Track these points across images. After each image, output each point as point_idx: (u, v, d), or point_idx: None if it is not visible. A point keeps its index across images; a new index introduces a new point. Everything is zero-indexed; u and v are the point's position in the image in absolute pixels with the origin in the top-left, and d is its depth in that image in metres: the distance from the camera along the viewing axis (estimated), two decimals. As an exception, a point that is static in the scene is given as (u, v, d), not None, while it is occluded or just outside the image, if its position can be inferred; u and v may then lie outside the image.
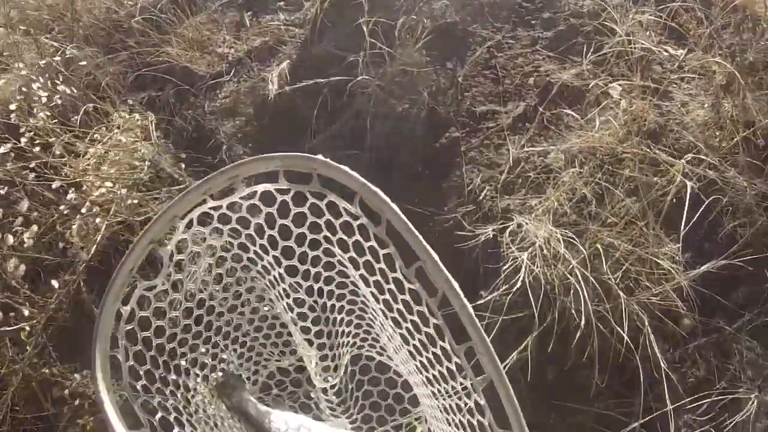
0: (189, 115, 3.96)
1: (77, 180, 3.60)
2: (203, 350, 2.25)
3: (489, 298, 3.01)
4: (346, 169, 1.69)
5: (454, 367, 1.67)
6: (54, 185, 3.54)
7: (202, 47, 4.30)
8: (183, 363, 2.12)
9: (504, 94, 3.60)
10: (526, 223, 3.05)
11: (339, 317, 2.39)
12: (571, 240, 2.97)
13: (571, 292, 2.86)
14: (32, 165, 3.59)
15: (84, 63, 4.10)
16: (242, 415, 2.29)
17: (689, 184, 2.93)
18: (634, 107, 3.24)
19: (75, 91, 3.87)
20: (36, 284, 3.53)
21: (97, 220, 3.52)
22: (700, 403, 2.84)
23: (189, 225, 1.86)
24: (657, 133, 3.25)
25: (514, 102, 3.57)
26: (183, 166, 3.79)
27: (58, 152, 3.64)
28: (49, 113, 3.72)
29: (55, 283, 3.44)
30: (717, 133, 3.19)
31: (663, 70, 3.50)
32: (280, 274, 2.24)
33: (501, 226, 3.14)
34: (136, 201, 3.58)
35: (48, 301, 3.44)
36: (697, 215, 2.96)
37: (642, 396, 2.85)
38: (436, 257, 1.50)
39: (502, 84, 3.64)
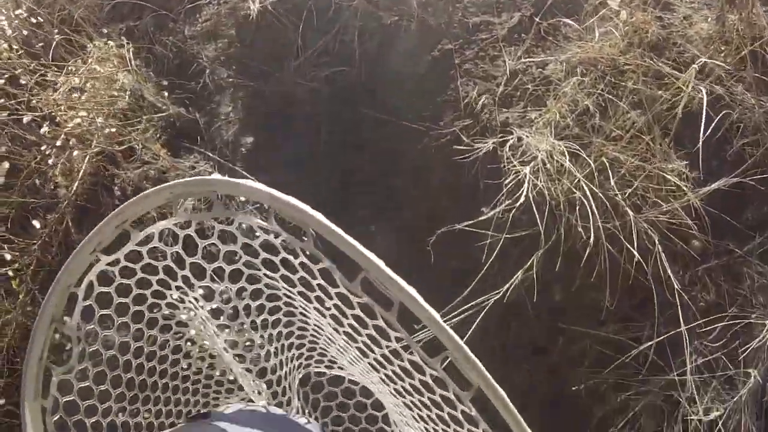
0: (169, 42, 3.78)
1: (50, 113, 3.45)
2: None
3: (491, 214, 2.97)
4: (249, 182, 1.37)
5: (429, 380, 1.47)
6: (25, 119, 3.41)
7: (180, -32, 4.09)
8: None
9: (497, 4, 3.46)
10: (527, 137, 2.99)
11: (281, 343, 2.13)
12: (576, 152, 2.92)
13: (577, 208, 2.82)
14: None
15: None
16: None
17: (703, 90, 2.86)
18: (635, 19, 3.13)
19: (48, 27, 3.68)
20: (26, 230, 3.43)
21: (75, 153, 3.40)
22: (711, 327, 2.84)
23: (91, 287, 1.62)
24: (660, 46, 3.16)
25: (509, 12, 3.43)
26: (166, 94, 3.65)
27: (26, 84, 3.51)
28: (15, 46, 3.56)
29: (36, 224, 3.36)
30: (722, 48, 3.12)
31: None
32: (209, 313, 2.02)
33: (501, 140, 3.08)
34: (114, 129, 3.45)
35: (30, 243, 3.35)
36: (705, 132, 2.91)
37: (654, 319, 2.85)
38: (382, 264, 1.27)
39: (496, -7, 3.50)
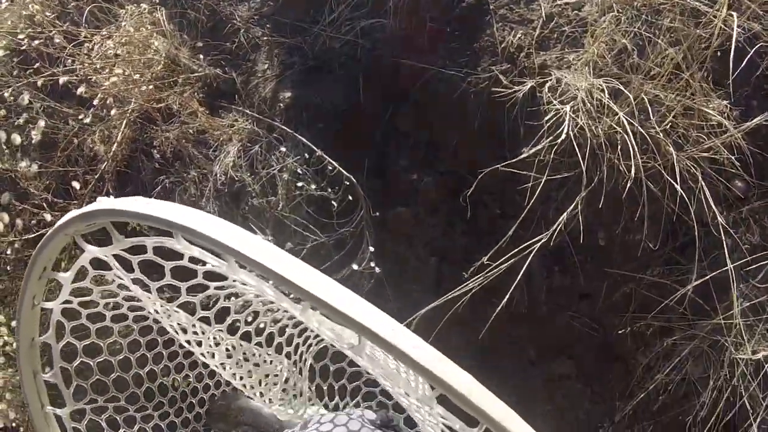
0: (201, 5, 3.80)
1: (87, 76, 3.51)
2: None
3: (532, 152, 2.96)
4: (135, 202, 1.22)
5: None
6: (61, 80, 3.47)
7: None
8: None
9: (531, -55, 3.41)
10: (566, 77, 2.96)
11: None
12: (616, 90, 2.89)
13: (619, 147, 2.79)
14: (36, 65, 3.54)
15: None
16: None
17: (735, 19, 2.80)
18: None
19: None
20: (67, 192, 3.51)
21: (113, 111, 3.47)
22: (756, 267, 2.81)
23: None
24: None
25: (543, -47, 3.38)
26: (201, 56, 3.69)
27: (59, 46, 3.58)
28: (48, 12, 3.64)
29: (76, 185, 3.44)
30: None
31: None
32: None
33: (540, 81, 3.05)
34: (151, 87, 3.51)
35: (70, 204, 3.43)
36: (743, 70, 2.84)
37: (696, 262, 2.83)
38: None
39: (527, -64, 3.44)
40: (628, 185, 2.77)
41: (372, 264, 3.15)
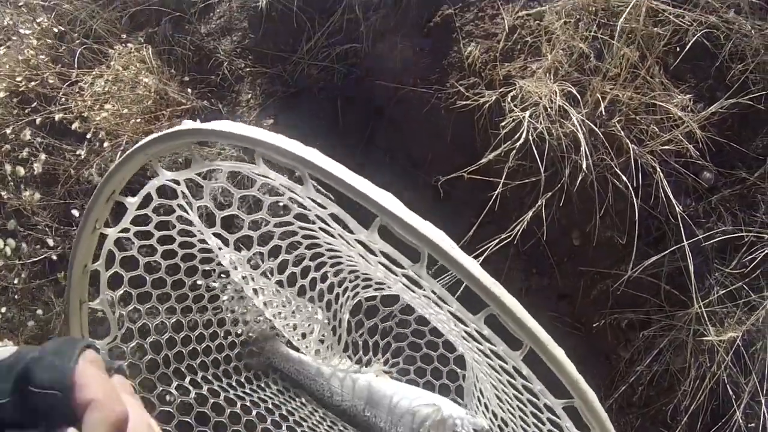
0: (187, 42, 3.99)
1: (80, 112, 3.71)
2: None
3: (491, 156, 3.06)
4: (221, 124, 1.30)
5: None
6: (57, 117, 3.70)
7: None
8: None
9: (492, -37, 3.55)
10: (528, 85, 3.06)
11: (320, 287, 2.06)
12: (580, 92, 2.99)
13: (582, 149, 2.89)
14: (34, 105, 3.76)
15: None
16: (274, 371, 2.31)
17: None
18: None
19: (70, 37, 3.98)
20: (68, 218, 3.71)
21: (105, 144, 3.65)
22: (730, 257, 2.88)
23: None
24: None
25: (503, -31, 3.51)
26: (189, 90, 3.86)
27: (54, 86, 3.80)
28: (42, 55, 3.85)
29: (75, 212, 3.65)
30: None
31: None
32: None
33: (505, 91, 3.16)
34: (140, 120, 3.68)
35: (71, 230, 3.61)
36: (703, 62, 2.96)
37: (667, 255, 2.90)
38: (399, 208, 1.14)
39: (487, -47, 3.58)
40: (596, 185, 2.86)
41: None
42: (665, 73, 3.03)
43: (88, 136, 3.67)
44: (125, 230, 1.61)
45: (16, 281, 3.68)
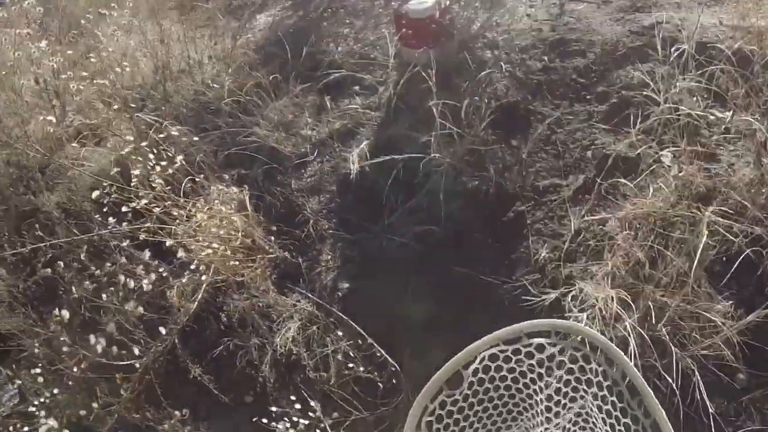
0: (277, 192, 4.39)
1: (183, 242, 4.05)
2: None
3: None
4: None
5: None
6: (168, 243, 4.03)
7: (287, 129, 4.74)
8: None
9: (565, 167, 3.90)
10: (587, 287, 3.31)
11: None
12: (632, 297, 3.22)
13: (630, 350, 3.09)
14: (147, 225, 4.10)
15: (185, 139, 4.63)
16: None
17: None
18: (683, 172, 3.47)
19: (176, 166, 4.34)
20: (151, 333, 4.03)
21: (203, 277, 3.98)
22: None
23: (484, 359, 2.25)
24: (707, 196, 3.45)
25: (575, 174, 3.86)
26: (272, 238, 4.22)
27: (167, 214, 4.16)
28: (162, 181, 4.21)
29: (162, 330, 3.95)
30: (763, 190, 3.35)
31: (710, 133, 3.70)
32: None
33: (565, 291, 3.40)
34: (237, 263, 4.02)
35: (155, 343, 3.93)
36: (746, 271, 3.18)
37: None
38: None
39: (563, 158, 3.93)
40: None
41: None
42: (710, 279, 3.24)
43: (192, 266, 4.00)
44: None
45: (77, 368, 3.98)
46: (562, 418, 2.37)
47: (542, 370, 2.30)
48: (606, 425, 2.20)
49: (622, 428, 2.11)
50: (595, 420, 2.30)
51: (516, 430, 2.49)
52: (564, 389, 2.32)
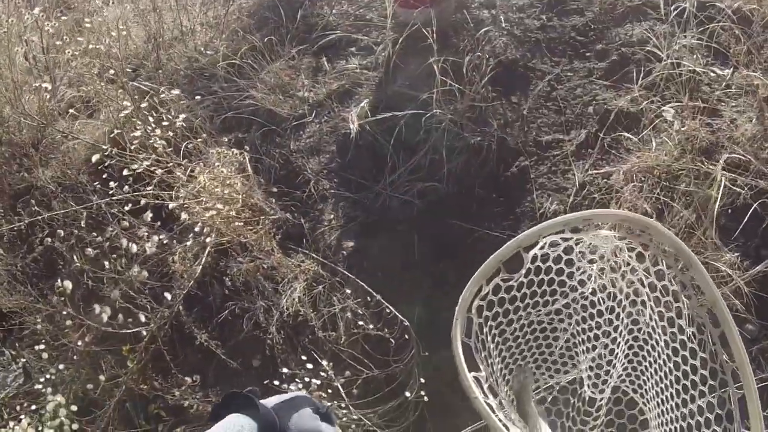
0: (276, 154, 4.38)
1: (186, 204, 4.05)
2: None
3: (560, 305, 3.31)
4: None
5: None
6: (171, 205, 4.01)
7: (284, 91, 4.71)
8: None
9: (566, 123, 3.92)
10: (594, 240, 3.34)
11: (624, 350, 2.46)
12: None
13: (639, 299, 3.13)
14: (150, 188, 4.09)
15: (183, 102, 4.64)
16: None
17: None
18: (686, 127, 3.53)
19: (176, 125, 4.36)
20: (156, 298, 4.01)
21: (207, 239, 3.97)
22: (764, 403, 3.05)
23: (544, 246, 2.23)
24: (710, 150, 3.52)
25: (577, 130, 3.90)
26: (273, 200, 4.22)
27: (170, 174, 4.17)
28: (164, 142, 4.22)
29: (167, 295, 3.91)
30: (766, 145, 3.43)
31: (711, 90, 3.75)
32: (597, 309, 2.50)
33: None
34: (240, 223, 4.04)
35: (162, 309, 3.91)
36: (751, 223, 3.26)
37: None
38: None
39: (564, 114, 3.96)
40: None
41: (422, 393, 3.45)
42: (717, 231, 3.30)
43: (196, 229, 3.99)
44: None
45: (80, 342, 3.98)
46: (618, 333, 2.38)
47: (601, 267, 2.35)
48: (666, 335, 2.17)
49: (678, 345, 2.09)
50: (651, 330, 2.31)
51: (562, 334, 2.48)
52: (626, 290, 2.39)
